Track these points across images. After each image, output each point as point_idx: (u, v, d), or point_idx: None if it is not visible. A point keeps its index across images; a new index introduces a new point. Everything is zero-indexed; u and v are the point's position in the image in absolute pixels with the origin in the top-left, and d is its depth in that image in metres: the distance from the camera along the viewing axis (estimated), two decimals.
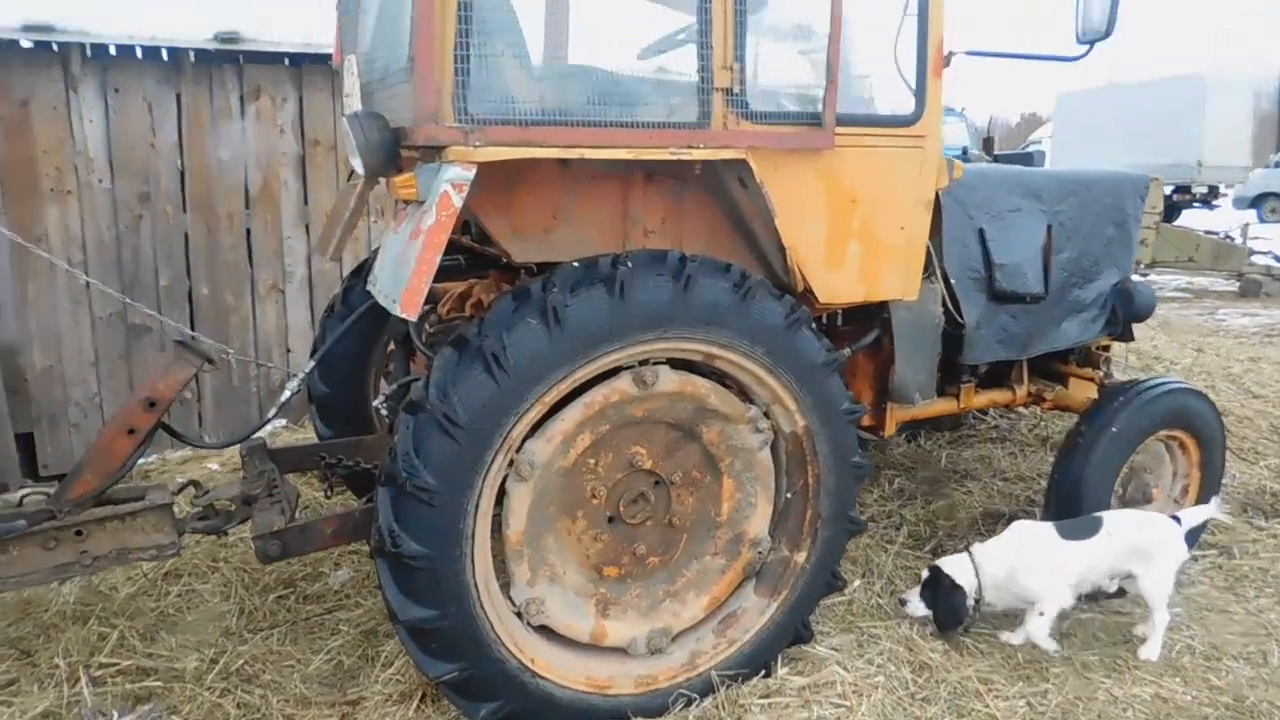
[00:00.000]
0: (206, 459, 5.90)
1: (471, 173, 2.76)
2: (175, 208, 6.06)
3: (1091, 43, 3.62)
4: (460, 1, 2.71)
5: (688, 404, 3.26)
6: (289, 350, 6.60)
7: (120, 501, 3.30)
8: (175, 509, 3.36)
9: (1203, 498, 4.50)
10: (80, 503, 3.19)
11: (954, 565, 3.84)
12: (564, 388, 2.93)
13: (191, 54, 5.89)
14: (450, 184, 2.74)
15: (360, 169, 3.07)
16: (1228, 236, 11.71)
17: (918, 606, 3.87)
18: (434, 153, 2.86)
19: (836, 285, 3.55)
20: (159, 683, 3.49)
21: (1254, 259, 12.30)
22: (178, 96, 5.94)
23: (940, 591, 3.80)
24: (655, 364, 3.13)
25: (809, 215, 3.41)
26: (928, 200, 3.65)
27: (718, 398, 3.27)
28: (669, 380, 3.16)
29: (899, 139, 3.54)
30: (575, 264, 2.99)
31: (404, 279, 2.76)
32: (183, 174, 6.05)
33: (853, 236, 3.53)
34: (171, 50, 5.82)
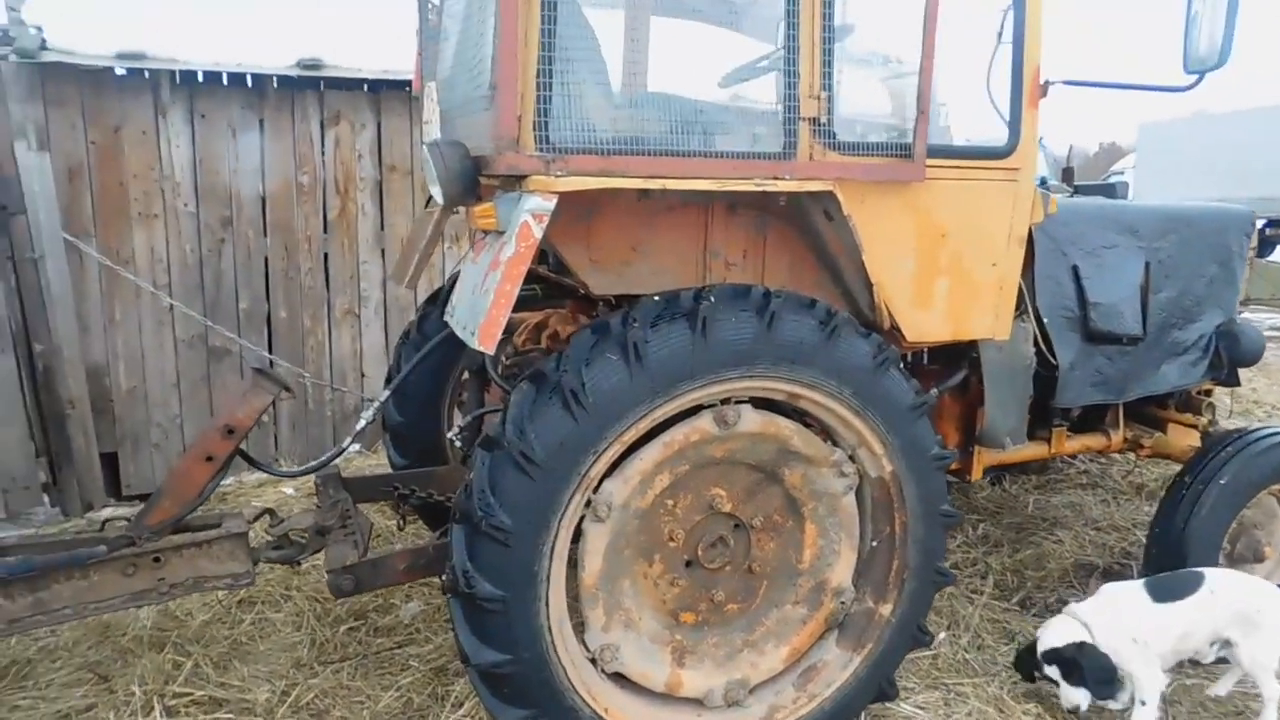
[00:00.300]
0: (281, 483, 5.94)
1: (552, 203, 2.68)
2: (256, 232, 6.17)
3: (1201, 73, 3.41)
4: (543, 29, 2.65)
5: (770, 445, 3.13)
6: (363, 375, 6.65)
7: (198, 529, 3.30)
8: (250, 537, 3.35)
9: None
10: (159, 529, 3.19)
11: (1064, 631, 3.48)
12: (643, 426, 2.84)
13: (274, 80, 6.02)
14: (530, 214, 2.66)
15: (440, 198, 3.01)
16: None
17: (1079, 696, 3.40)
18: (514, 182, 2.79)
19: (924, 323, 3.41)
20: (230, 715, 3.47)
21: None
22: (260, 122, 6.07)
23: (1079, 661, 3.39)
24: (737, 403, 3.02)
25: (897, 250, 3.27)
26: (1021, 236, 3.49)
27: (801, 439, 3.15)
28: (751, 420, 3.04)
29: (992, 172, 3.39)
30: (656, 298, 2.90)
31: (482, 311, 2.68)
32: (263, 198, 6.16)
33: (942, 273, 3.39)
34: (256, 77, 5.95)
